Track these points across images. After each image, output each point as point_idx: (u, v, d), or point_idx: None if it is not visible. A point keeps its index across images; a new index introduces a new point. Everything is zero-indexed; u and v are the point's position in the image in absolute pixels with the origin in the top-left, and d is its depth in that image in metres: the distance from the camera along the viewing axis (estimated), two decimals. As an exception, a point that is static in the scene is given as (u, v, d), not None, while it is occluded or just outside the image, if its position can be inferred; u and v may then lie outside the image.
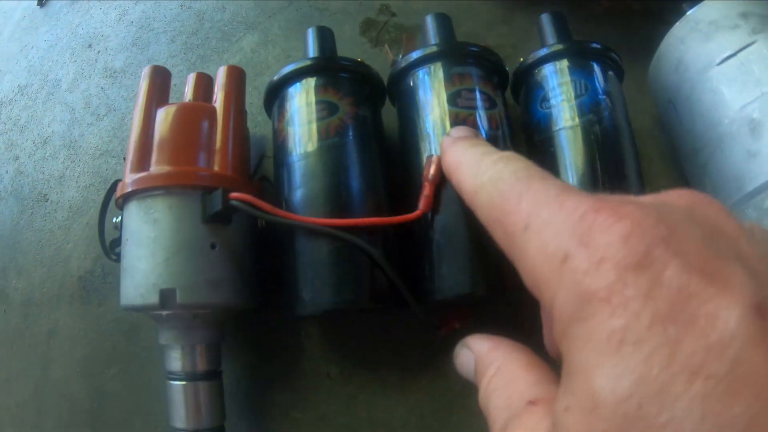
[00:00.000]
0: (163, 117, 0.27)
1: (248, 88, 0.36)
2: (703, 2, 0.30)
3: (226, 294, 0.24)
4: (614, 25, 0.40)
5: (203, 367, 0.25)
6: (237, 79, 0.29)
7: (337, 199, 0.25)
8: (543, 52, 0.30)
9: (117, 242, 0.26)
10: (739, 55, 0.27)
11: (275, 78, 0.28)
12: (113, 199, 0.27)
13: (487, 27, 0.39)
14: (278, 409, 0.29)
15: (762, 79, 0.26)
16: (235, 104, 0.28)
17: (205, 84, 0.30)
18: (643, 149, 0.34)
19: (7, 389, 0.37)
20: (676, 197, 0.12)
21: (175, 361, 0.25)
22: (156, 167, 0.25)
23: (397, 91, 0.29)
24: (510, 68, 0.35)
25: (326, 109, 0.26)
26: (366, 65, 0.29)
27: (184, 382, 0.24)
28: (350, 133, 0.26)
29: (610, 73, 0.30)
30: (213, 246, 0.24)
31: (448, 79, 0.27)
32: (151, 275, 0.23)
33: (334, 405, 0.29)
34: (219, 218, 0.24)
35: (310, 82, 0.27)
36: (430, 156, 0.24)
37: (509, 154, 0.15)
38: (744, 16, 0.28)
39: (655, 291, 0.09)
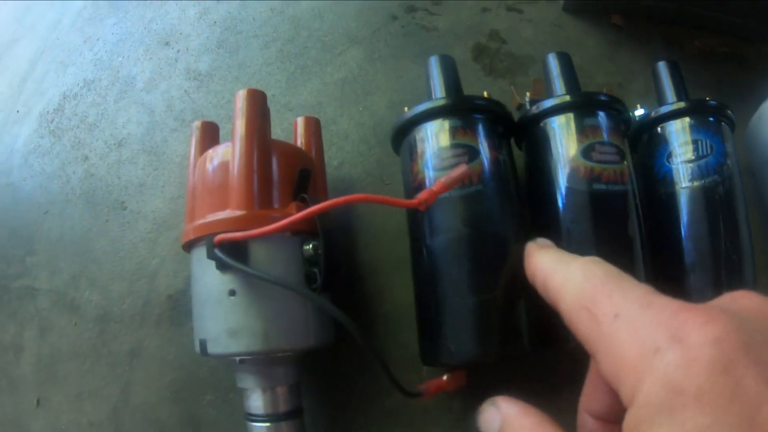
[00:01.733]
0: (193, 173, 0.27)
1: (357, 108, 0.35)
2: None
3: (251, 341, 0.23)
4: (705, 66, 0.40)
5: (285, 407, 0.24)
6: (258, 103, 0.26)
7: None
8: (667, 108, 0.30)
9: None
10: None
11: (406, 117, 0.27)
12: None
13: (594, 63, 0.38)
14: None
15: None
16: (257, 131, 0.25)
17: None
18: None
19: (79, 407, 0.35)
20: (745, 302, 0.13)
21: (256, 403, 0.24)
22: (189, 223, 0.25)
23: (527, 138, 0.29)
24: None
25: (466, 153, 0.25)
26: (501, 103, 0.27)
27: (267, 424, 0.24)
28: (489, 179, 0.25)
29: (728, 131, 0.30)
30: (232, 293, 0.23)
31: (581, 132, 0.26)
32: (195, 326, 0.25)
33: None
34: (222, 264, 0.22)
35: (445, 123, 0.26)
36: (464, 167, 0.23)
37: (597, 258, 0.16)
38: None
39: (738, 394, 0.10)
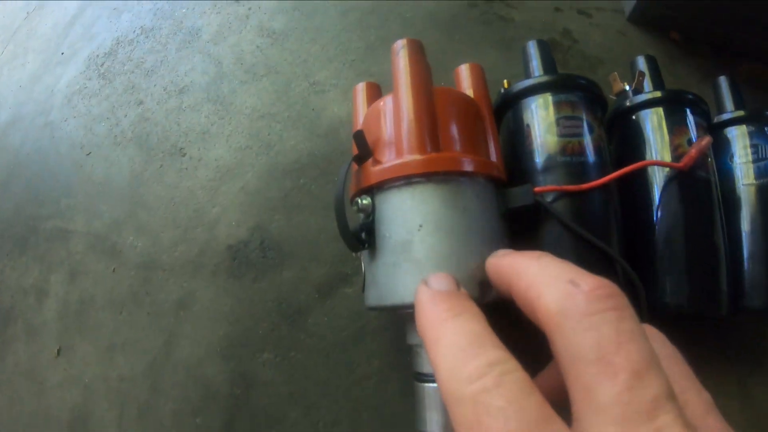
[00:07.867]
0: (450, 102, 0.24)
1: (438, 83, 0.35)
2: None
3: None
4: (751, 89, 0.43)
5: None
6: (482, 76, 0.28)
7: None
8: (727, 116, 0.32)
9: (364, 227, 0.23)
10: None
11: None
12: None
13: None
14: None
15: None
16: (488, 101, 0.27)
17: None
18: None
19: (108, 359, 0.33)
20: None
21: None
22: (449, 153, 0.22)
23: (622, 125, 0.30)
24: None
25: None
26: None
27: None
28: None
29: None
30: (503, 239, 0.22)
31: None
32: (467, 267, 0.20)
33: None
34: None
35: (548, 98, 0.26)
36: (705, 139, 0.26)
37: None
38: None
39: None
